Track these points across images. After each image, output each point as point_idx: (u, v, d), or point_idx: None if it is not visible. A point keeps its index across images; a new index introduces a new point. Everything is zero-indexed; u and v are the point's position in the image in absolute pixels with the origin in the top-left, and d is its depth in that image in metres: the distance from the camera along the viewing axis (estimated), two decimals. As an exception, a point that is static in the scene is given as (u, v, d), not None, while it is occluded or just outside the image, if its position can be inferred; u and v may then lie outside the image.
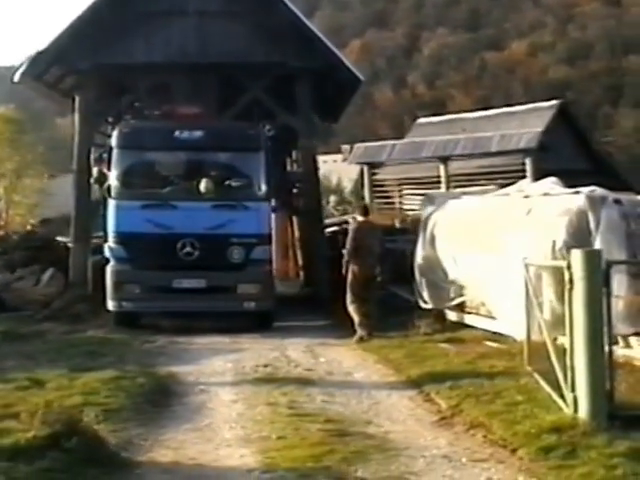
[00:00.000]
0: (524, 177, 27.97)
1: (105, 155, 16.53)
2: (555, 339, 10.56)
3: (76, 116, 20.38)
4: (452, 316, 14.66)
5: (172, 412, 9.44)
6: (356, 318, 14.47)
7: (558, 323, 9.85)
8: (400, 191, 32.32)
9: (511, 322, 12.15)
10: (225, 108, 19.59)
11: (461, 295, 14.19)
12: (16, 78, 19.82)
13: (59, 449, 7.06)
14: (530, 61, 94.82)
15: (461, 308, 14.42)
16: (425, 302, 15.28)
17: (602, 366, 7.59)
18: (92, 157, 17.44)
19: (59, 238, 22.04)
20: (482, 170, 29.70)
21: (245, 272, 15.67)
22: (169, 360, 12.52)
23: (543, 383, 9.23)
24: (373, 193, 29.80)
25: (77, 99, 20.33)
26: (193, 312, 16.03)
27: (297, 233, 26.46)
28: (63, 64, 20.02)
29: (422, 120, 40.81)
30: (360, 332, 14.28)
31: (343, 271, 14.70)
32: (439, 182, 29.91)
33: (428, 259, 15.07)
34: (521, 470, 7.03)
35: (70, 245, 21.50)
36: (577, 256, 7.55)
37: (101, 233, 19.52)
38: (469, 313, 14.13)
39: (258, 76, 20.03)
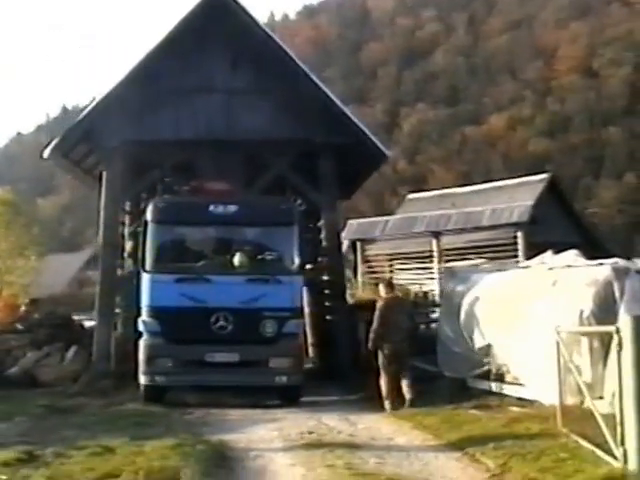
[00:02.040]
0: (515, 250, 29.04)
1: (140, 229, 16.88)
2: (582, 402, 11.41)
3: (102, 192, 20.57)
4: (475, 384, 15.33)
5: (238, 475, 10.01)
6: (385, 392, 14.97)
7: (593, 386, 10.69)
8: (391, 266, 33.17)
9: (538, 387, 12.91)
10: (249, 183, 19.91)
11: (486, 364, 14.90)
12: (45, 154, 20.00)
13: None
14: (510, 135, 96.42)
15: (485, 376, 15.09)
16: (449, 372, 15.94)
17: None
18: (126, 231, 17.73)
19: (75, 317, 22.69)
20: (473, 244, 30.63)
21: (277, 346, 15.75)
22: (214, 429, 12.94)
23: (583, 442, 9.98)
24: (364, 268, 30.69)
25: (104, 175, 20.54)
26: (225, 386, 16.08)
27: (306, 309, 26.87)
28: (91, 141, 20.26)
29: (412, 196, 41.89)
30: (386, 406, 14.87)
31: (370, 347, 15.19)
32: (431, 257, 30.79)
33: (453, 330, 15.80)
34: (580, 519, 7.73)
35: (88, 322, 22.22)
36: (626, 321, 8.37)
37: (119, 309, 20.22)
38: (494, 381, 14.81)
39: (283, 152, 20.39)
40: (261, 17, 20.70)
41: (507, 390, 14.18)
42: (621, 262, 12.55)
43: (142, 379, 16.04)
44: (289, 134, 19.92)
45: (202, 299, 15.78)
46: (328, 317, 21.28)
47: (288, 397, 16.02)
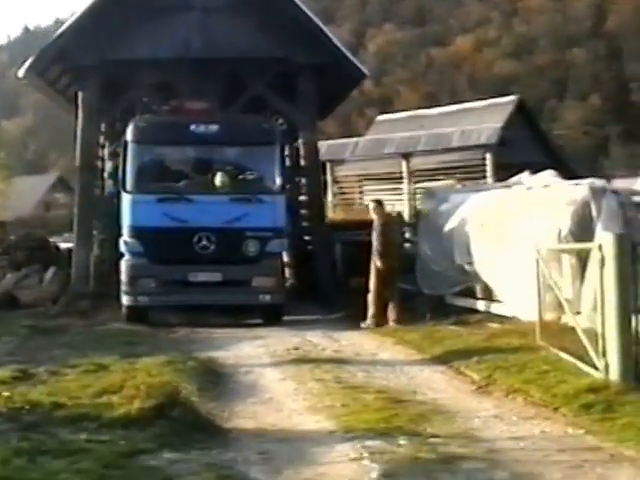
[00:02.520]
0: (484, 171, 29.42)
1: (120, 150, 16.75)
2: (560, 318, 11.82)
3: (79, 113, 20.36)
4: (453, 302, 15.72)
5: (232, 389, 10.30)
6: (372, 309, 15.19)
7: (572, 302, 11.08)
8: (361, 187, 33.50)
9: (517, 304, 13.32)
10: (228, 103, 19.59)
11: (465, 282, 15.27)
12: (20, 73, 19.76)
13: (165, 418, 8.00)
14: (476, 56, 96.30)
15: (464, 294, 15.49)
16: (428, 290, 16.31)
17: (630, 334, 8.73)
18: (106, 152, 17.74)
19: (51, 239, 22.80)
20: (443, 165, 30.99)
21: (260, 265, 15.88)
22: (201, 347, 13.22)
23: (563, 355, 10.38)
24: (334, 189, 30.94)
25: (80, 96, 20.30)
26: (208, 306, 16.23)
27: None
28: (67, 60, 19.89)
29: (382, 117, 42.13)
30: (369, 322, 15.10)
31: (380, 264, 15.18)
32: (401, 178, 31.09)
33: (433, 249, 16.13)
34: (567, 424, 8.08)
35: (62, 244, 22.32)
36: (608, 238, 8.68)
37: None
38: (472, 298, 15.20)
39: (262, 71, 20.20)
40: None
41: (486, 307, 14.58)
42: (598, 182, 12.87)
43: (124, 300, 16.08)
44: (268, 53, 19.75)
45: (184, 219, 15.81)
46: (306, 237, 21.36)
47: (271, 316, 16.16)
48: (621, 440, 7.36)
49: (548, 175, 14.67)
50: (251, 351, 13.00)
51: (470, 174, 28.93)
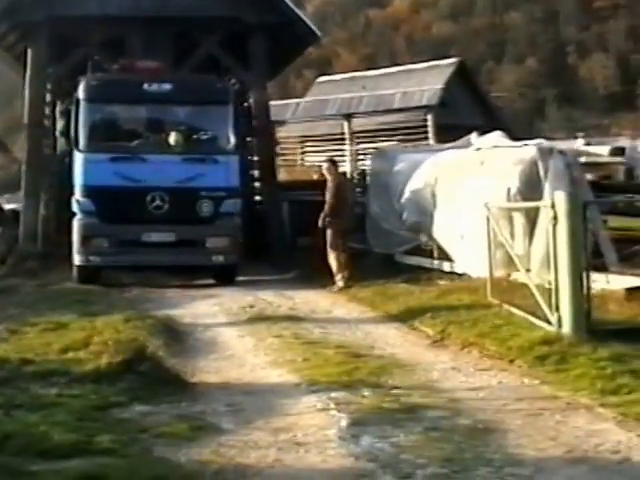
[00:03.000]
0: (425, 132, 29.82)
1: (72, 108, 16.42)
2: (509, 274, 12.19)
3: (27, 70, 20.11)
4: (403, 260, 16.00)
5: (192, 346, 10.49)
6: (335, 269, 15.07)
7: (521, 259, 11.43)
8: (302, 148, 33.74)
9: (466, 261, 13.66)
10: (179, 62, 19.53)
11: (415, 240, 15.56)
12: None
13: (133, 372, 8.17)
14: (414, 18, 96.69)
15: (414, 252, 15.78)
16: (378, 248, 16.56)
17: (582, 289, 9.07)
18: (57, 110, 17.43)
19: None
20: (384, 127, 31.37)
21: (214, 226, 15.82)
22: (157, 305, 13.34)
23: (515, 310, 10.72)
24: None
25: (29, 52, 20.04)
26: (161, 266, 16.18)
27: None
28: (16, 15, 19.57)
29: (322, 78, 42.20)
30: (339, 283, 14.90)
31: (321, 224, 15.15)
32: (343, 139, 31.42)
33: (382, 208, 16.37)
34: (523, 375, 8.41)
35: (6, 205, 22.15)
36: (560, 197, 9.00)
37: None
38: (423, 256, 15.51)
39: (213, 30, 20.08)
40: None
41: (436, 265, 14.88)
42: (545, 143, 13.20)
43: (76, 259, 15.92)
44: (220, 12, 19.71)
45: (137, 178, 15.69)
46: (257, 198, 21.44)
47: (224, 276, 16.19)
48: (576, 389, 7.70)
49: (496, 136, 14.97)
50: (207, 309, 13.17)
51: (411, 135, 29.33)
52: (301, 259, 17.39)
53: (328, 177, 15.45)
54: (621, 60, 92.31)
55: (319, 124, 33.22)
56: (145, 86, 16.01)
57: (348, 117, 31.56)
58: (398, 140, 29.43)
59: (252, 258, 18.38)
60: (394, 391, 7.92)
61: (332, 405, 7.43)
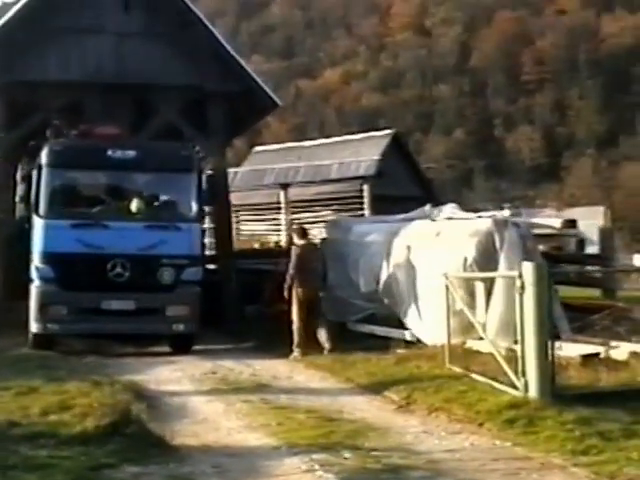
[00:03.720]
0: (361, 203, 30.35)
1: (34, 172, 16.24)
2: (464, 342, 12.63)
3: None
4: (356, 328, 16.32)
5: (163, 411, 10.55)
6: (296, 339, 15.11)
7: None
8: (238, 217, 34.03)
9: (421, 329, 14.09)
10: (137, 128, 19.37)
11: (370, 308, 15.93)
12: None
13: (120, 435, 8.38)
14: (344, 89, 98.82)
15: (367, 320, 16.13)
16: (331, 316, 16.80)
17: (547, 355, 9.52)
18: (18, 174, 17.02)
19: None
20: (320, 196, 31.89)
21: (175, 294, 15.69)
22: (118, 371, 13.27)
23: (475, 375, 11.13)
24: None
25: None
26: (120, 334, 15.91)
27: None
28: None
29: (259, 148, 42.69)
30: (296, 353, 14.94)
31: (285, 293, 15.28)
32: (279, 208, 31.86)
33: (337, 277, 16.66)
34: (494, 437, 8.77)
35: None
36: (528, 267, 9.49)
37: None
38: (376, 324, 15.86)
39: (173, 98, 20.17)
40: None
41: (390, 333, 15.24)
42: (499, 215, 13.78)
43: (33, 327, 15.67)
44: (180, 80, 19.84)
45: (98, 245, 15.53)
46: (211, 266, 21.47)
47: (181, 345, 16.13)
48: (548, 450, 8.11)
49: (450, 208, 15.54)
50: (169, 375, 13.24)
51: (347, 205, 29.85)
52: (254, 328, 17.51)
53: (297, 244, 15.61)
54: (547, 132, 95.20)
55: (256, 193, 33.64)
56: (109, 152, 15.97)
57: (285, 187, 32.07)
58: (334, 210, 29.95)
59: (205, 326, 18.48)
60: (373, 452, 8.21)
61: (316, 466, 7.68)
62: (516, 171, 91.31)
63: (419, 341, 14.47)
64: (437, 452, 8.31)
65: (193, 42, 19.65)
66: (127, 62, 19.50)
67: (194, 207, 16.33)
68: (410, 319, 14.80)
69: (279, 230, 31.68)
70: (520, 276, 9.58)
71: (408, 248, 14.79)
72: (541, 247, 14.30)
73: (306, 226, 17.57)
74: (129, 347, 16.32)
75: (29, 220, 16.41)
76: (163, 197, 16.55)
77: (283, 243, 29.82)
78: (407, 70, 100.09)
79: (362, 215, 28.05)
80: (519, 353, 9.77)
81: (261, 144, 45.89)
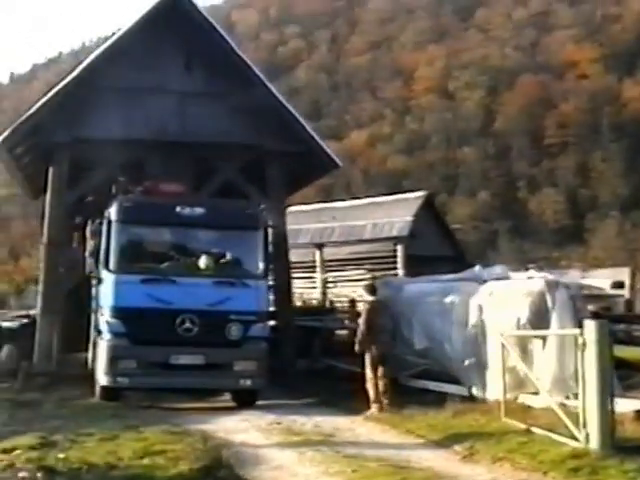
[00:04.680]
0: (395, 262, 31.00)
1: (103, 228, 16.45)
2: (516, 397, 13.22)
3: (48, 189, 20.51)
4: (409, 383, 16.81)
5: (236, 458, 10.92)
6: (372, 395, 15.21)
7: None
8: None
9: (475, 384, 14.73)
10: (197, 186, 19.74)
11: (423, 365, 16.52)
12: None
13: (213, 478, 9.01)
14: (369, 151, 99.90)
15: (419, 376, 16.71)
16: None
17: (609, 409, 10.13)
18: (88, 230, 17.32)
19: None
20: (354, 256, 32.61)
21: (243, 349, 15.87)
22: (186, 421, 13.81)
23: (533, 428, 11.71)
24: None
25: (50, 172, 20.39)
26: (189, 389, 16.13)
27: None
28: (39, 136, 19.94)
29: (293, 208, 43.37)
30: (374, 409, 15.04)
31: (357, 349, 15.39)
32: (314, 267, 32.60)
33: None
34: (560, 485, 9.39)
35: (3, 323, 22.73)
36: (590, 325, 10.14)
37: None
38: (430, 380, 16.44)
39: (234, 157, 20.60)
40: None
41: (444, 388, 15.80)
42: (550, 276, 14.48)
43: (103, 379, 15.87)
44: (241, 139, 20.23)
45: (168, 300, 15.70)
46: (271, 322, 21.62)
47: (246, 399, 16.34)
48: (613, 497, 8.69)
49: (499, 268, 16.23)
50: (236, 425, 13.76)
51: (380, 265, 30.57)
52: (309, 382, 18.05)
53: (366, 300, 15.87)
54: (570, 195, 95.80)
55: (291, 252, 34.24)
56: (178, 209, 16.26)
57: (320, 246, 32.82)
58: (367, 269, 30.69)
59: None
60: (453, 498, 8.81)
61: None
62: (540, 232, 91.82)
63: (472, 397, 14.99)
64: (512, 497, 8.89)
65: (253, 101, 19.89)
66: (189, 121, 20.04)
67: (260, 264, 16.50)
68: (464, 375, 15.35)
69: (314, 288, 32.45)
70: (582, 334, 10.21)
71: (462, 307, 15.41)
72: (590, 307, 14.94)
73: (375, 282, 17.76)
74: (188, 401, 16.56)
75: (96, 275, 16.90)
76: (230, 254, 16.69)
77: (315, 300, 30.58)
78: (432, 133, 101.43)
79: (396, 275, 28.78)
80: (580, 406, 10.36)
81: (289, 205, 46.59)
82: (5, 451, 10.18)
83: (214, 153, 20.51)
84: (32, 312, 24.92)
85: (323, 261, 33.07)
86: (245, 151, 20.52)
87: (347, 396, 16.40)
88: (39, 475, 8.90)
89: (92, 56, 20.44)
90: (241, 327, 15.88)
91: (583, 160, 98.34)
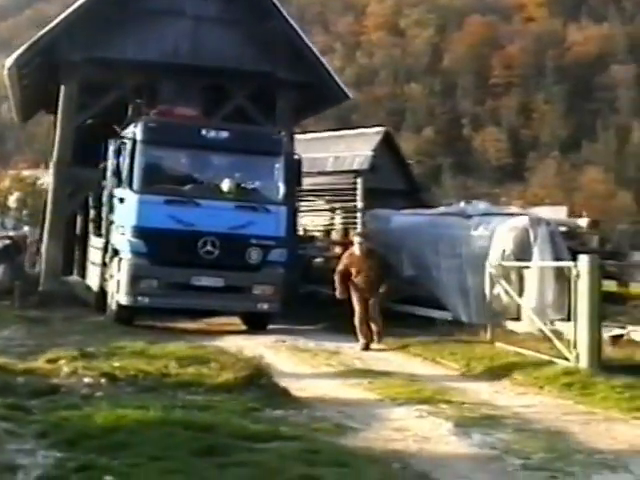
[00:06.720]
0: (354, 195, 31.97)
1: (127, 147, 16.38)
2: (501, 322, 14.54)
3: (59, 108, 20.42)
4: (397, 309, 17.77)
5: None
6: (361, 332, 15.04)
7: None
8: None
9: (461, 310, 16.09)
10: (208, 111, 19.49)
11: (411, 291, 17.73)
12: (7, 64, 19.88)
13: (255, 386, 9.97)
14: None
15: (406, 302, 17.88)
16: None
17: (598, 332, 11.48)
18: (110, 149, 17.19)
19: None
20: (315, 187, 33.49)
21: (261, 273, 16.10)
22: (200, 339, 14.40)
23: (519, 349, 13.02)
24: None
25: (62, 91, 20.17)
26: (208, 310, 16.51)
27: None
28: (53, 54, 19.80)
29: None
30: (362, 341, 14.88)
31: (339, 295, 15.31)
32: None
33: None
34: (557, 397, 10.57)
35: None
36: (583, 259, 11.45)
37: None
38: (417, 305, 17.67)
39: (245, 83, 20.55)
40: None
41: (431, 313, 17.06)
42: (533, 214, 15.82)
43: (123, 299, 15.97)
44: (254, 66, 20.24)
45: (190, 222, 15.84)
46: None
47: (259, 323, 16.75)
48: (605, 407, 9.90)
49: (483, 205, 17.53)
50: (245, 342, 14.31)
51: (340, 197, 31.53)
52: (318, 311, 18.59)
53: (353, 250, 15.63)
54: (512, 134, 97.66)
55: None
56: (203, 132, 16.29)
57: (280, 177, 33.51)
58: (327, 200, 31.64)
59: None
60: (464, 405, 9.91)
61: (425, 414, 9.30)
62: (482, 169, 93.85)
63: (457, 321, 16.27)
64: (515, 407, 10.00)
65: (268, 30, 20.10)
66: (202, 45, 20.18)
67: (282, 190, 16.72)
68: (451, 301, 16.62)
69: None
70: (576, 266, 11.52)
71: (449, 238, 16.64)
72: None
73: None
74: (191, 322, 17.18)
75: (114, 195, 17.24)
76: (253, 179, 16.94)
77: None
78: (381, 68, 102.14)
79: (355, 207, 29.84)
80: (572, 330, 11.69)
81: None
82: (50, 361, 10.74)
83: (226, 78, 20.42)
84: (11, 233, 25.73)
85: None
86: (256, 78, 20.48)
87: (338, 320, 16.69)
88: (103, 381, 9.76)
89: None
90: (261, 252, 16.14)
91: (526, 101, 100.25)
